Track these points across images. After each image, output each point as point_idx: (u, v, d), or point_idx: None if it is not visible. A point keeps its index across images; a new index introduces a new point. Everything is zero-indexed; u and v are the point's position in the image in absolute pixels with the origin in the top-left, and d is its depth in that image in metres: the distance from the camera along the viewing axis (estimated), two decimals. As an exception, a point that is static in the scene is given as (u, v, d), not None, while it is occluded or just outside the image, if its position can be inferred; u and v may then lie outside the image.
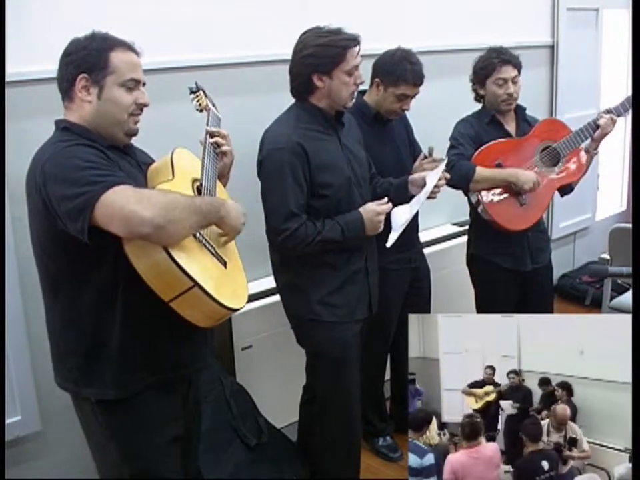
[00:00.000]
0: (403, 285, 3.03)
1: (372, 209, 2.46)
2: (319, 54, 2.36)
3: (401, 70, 2.74)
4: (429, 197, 2.63)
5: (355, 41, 2.39)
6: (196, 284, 1.63)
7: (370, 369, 3.17)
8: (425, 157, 2.80)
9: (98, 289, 1.75)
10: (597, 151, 3.08)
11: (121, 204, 1.57)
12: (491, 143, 2.98)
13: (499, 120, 3.06)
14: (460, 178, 2.87)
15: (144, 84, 1.85)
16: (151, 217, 1.56)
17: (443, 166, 2.65)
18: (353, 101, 2.51)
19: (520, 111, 3.11)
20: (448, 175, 2.69)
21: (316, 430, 2.74)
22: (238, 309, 1.77)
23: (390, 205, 2.49)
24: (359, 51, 2.41)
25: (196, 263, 1.67)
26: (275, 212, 2.40)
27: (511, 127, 3.08)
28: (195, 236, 1.73)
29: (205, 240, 1.78)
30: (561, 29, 4.40)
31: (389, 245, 2.50)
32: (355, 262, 2.55)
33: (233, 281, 1.83)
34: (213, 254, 1.79)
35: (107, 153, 1.75)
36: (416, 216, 3.04)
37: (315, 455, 2.81)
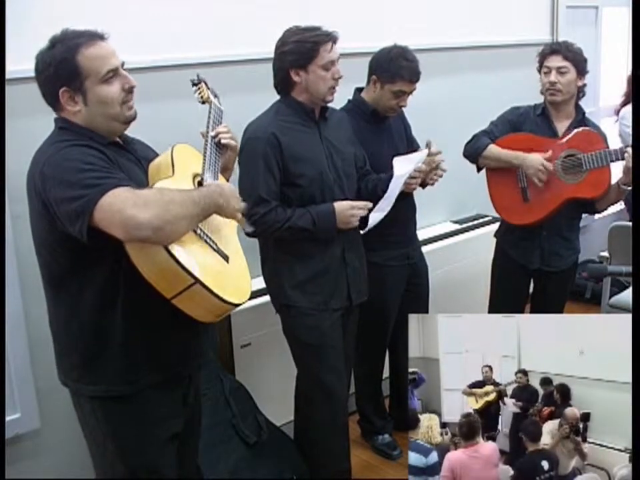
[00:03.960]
0: (400, 282, 3.04)
1: (346, 203, 2.53)
2: (294, 50, 2.44)
3: (397, 67, 2.76)
4: (408, 190, 2.76)
5: (328, 36, 2.46)
6: (197, 281, 1.63)
7: (367, 366, 3.19)
8: None
9: (100, 287, 1.76)
10: (628, 188, 2.83)
11: (118, 208, 1.57)
12: (521, 133, 2.97)
13: (549, 115, 2.98)
14: (471, 149, 2.99)
15: (123, 65, 1.78)
16: (148, 220, 1.55)
17: (423, 153, 2.71)
18: (334, 95, 2.55)
19: (579, 112, 2.99)
20: (441, 172, 2.78)
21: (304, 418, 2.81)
22: (240, 304, 1.77)
23: (367, 203, 2.56)
24: (333, 46, 2.47)
25: (197, 260, 1.67)
26: (245, 197, 2.44)
27: (561, 124, 2.98)
28: (195, 232, 1.73)
29: (206, 236, 1.78)
30: (561, 26, 4.40)
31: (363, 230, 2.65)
32: (331, 252, 2.60)
33: (235, 276, 1.83)
34: (214, 249, 1.79)
35: (106, 152, 1.74)
36: (414, 212, 3.05)
37: (303, 442, 2.85)
